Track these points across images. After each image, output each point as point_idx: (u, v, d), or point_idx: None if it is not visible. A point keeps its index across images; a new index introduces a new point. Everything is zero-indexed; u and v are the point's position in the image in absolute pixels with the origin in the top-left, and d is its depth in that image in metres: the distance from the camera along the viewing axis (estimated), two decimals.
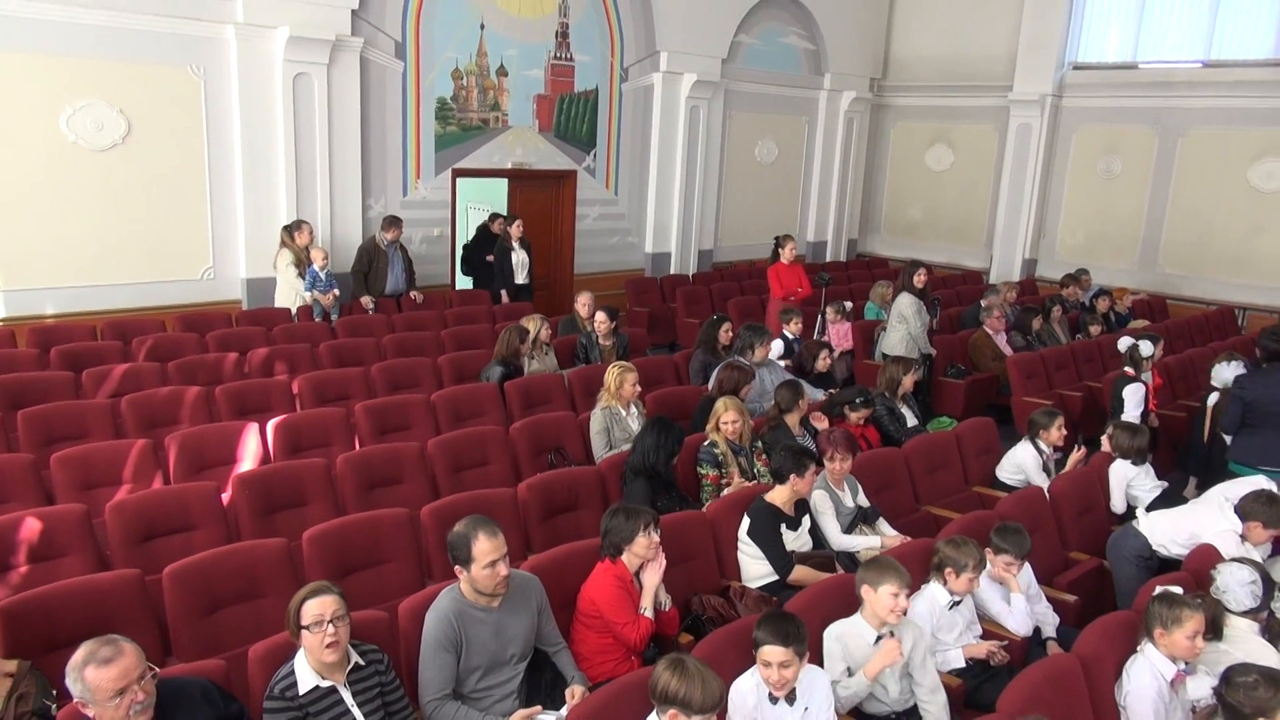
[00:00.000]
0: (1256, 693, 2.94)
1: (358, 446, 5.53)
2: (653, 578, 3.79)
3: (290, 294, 8.36)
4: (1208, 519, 4.56)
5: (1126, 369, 7.14)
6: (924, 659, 3.57)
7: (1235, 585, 3.79)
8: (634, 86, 11.70)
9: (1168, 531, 4.61)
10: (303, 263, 8.32)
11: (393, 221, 8.94)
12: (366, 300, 8.70)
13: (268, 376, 6.68)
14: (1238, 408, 5.88)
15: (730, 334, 7.15)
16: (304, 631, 2.93)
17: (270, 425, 5.47)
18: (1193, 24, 12.13)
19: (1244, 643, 3.72)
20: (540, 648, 3.55)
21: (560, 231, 11.41)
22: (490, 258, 9.87)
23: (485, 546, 3.27)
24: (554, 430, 5.79)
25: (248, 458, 5.28)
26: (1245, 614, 3.79)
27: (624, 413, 5.84)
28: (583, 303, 8.07)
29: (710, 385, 6.22)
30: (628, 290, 11.30)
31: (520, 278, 9.82)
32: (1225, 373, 6.82)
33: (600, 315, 7.49)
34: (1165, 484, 5.55)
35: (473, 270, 10.25)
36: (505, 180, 11.09)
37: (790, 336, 8.01)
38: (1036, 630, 4.24)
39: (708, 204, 12.76)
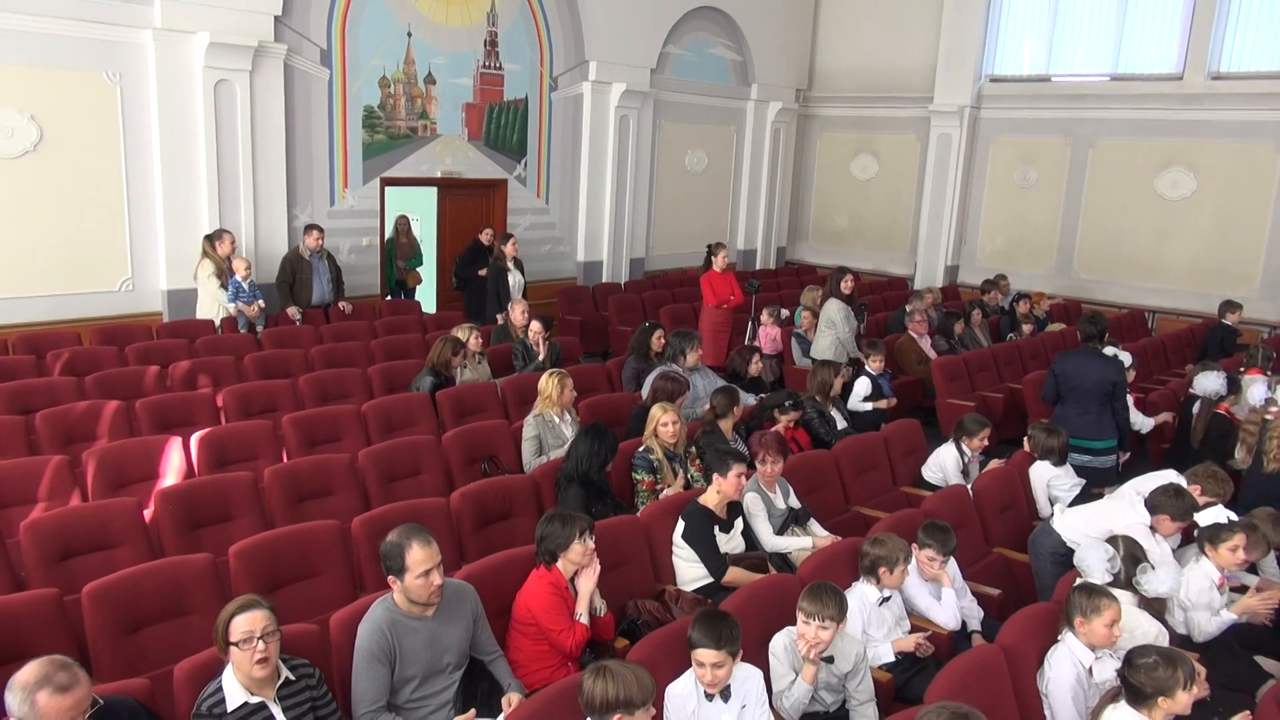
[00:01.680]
0: (1156, 673, 3.08)
1: (286, 459, 5.43)
2: (587, 583, 3.81)
3: (213, 305, 8.16)
4: (1119, 513, 4.74)
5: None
6: (863, 675, 3.63)
7: (1093, 560, 3.99)
8: (564, 96, 11.73)
9: (1081, 528, 4.77)
10: (225, 273, 8.14)
11: (311, 228, 8.80)
12: (293, 311, 8.54)
13: (191, 390, 6.51)
14: (1050, 380, 6.53)
15: (662, 341, 7.20)
16: (233, 648, 2.87)
17: (194, 439, 5.33)
18: (1101, 40, 12.63)
19: (1126, 614, 3.89)
20: (476, 656, 3.54)
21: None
22: (483, 273, 9.74)
23: (419, 555, 3.25)
24: (487, 439, 5.76)
25: (171, 473, 5.14)
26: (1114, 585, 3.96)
27: (558, 420, 5.85)
28: (518, 311, 8.04)
29: (644, 394, 6.26)
30: (560, 299, 11.30)
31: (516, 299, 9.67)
32: (1207, 382, 7.01)
33: (535, 325, 7.48)
34: (1084, 481, 5.76)
35: (464, 286, 10.14)
36: (435, 189, 11.01)
37: (874, 372, 7.56)
38: (962, 624, 4.37)
39: (639, 213, 12.84)
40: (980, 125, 13.65)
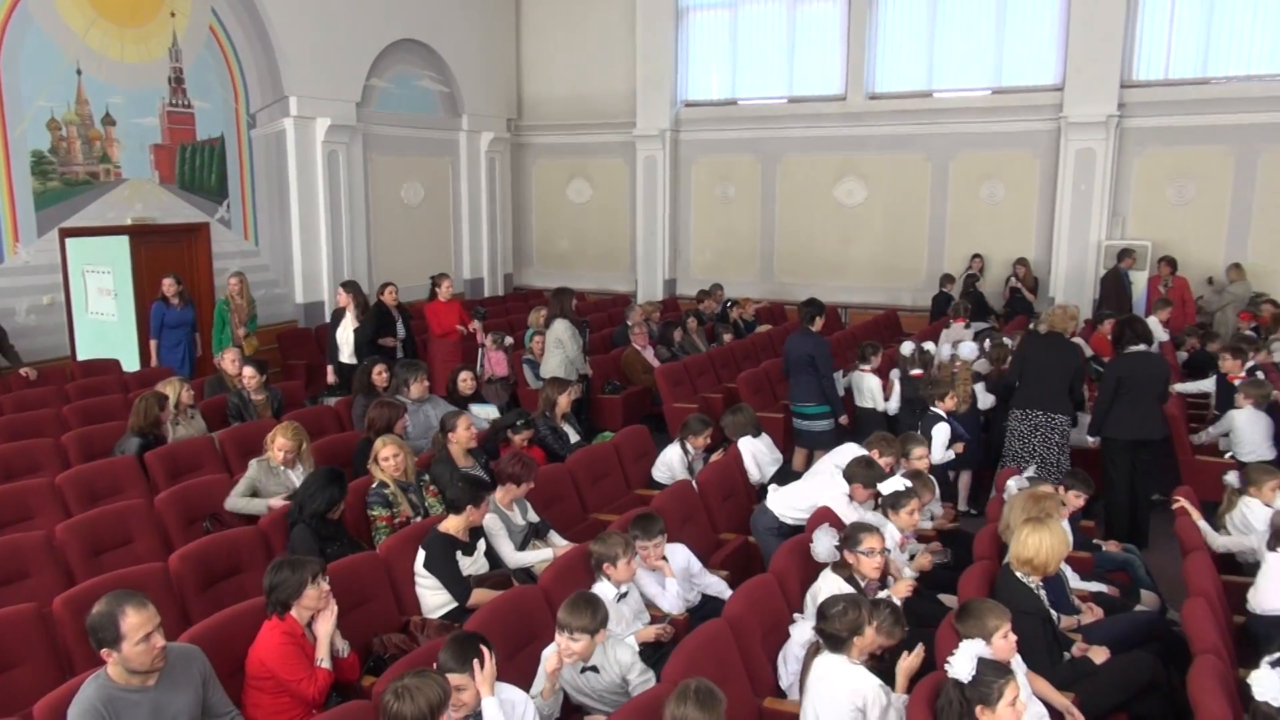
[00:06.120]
0: (847, 616, 3.53)
1: None
2: (326, 626, 3.73)
3: None
4: (822, 486, 5.30)
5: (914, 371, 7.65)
6: (642, 681, 3.73)
7: (823, 545, 4.48)
8: (264, 133, 11.26)
9: (791, 502, 5.31)
10: None
11: None
12: None
13: None
14: (784, 359, 7.75)
15: (384, 375, 7.10)
16: None
17: None
18: (776, 65, 13.93)
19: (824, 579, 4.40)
20: None
21: (197, 289, 10.63)
22: (387, 341, 8.58)
23: (135, 620, 3.05)
24: (207, 496, 5.44)
25: None
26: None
27: (286, 470, 5.60)
28: (229, 360, 7.63)
29: (364, 425, 6.18)
30: (280, 343, 10.81)
31: (345, 354, 8.68)
32: (965, 350, 7.77)
33: (248, 370, 7.14)
34: (781, 457, 6.39)
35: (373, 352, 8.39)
36: (126, 238, 10.16)
37: (945, 413, 6.75)
38: (710, 600, 4.70)
39: (358, 249, 12.54)
40: (680, 147, 14.59)
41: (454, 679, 3.14)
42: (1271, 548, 4.42)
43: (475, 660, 3.21)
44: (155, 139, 10.09)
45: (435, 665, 3.24)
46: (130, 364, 9.51)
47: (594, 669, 3.69)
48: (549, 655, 3.63)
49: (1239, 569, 5.05)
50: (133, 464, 5.90)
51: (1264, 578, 4.40)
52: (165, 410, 6.40)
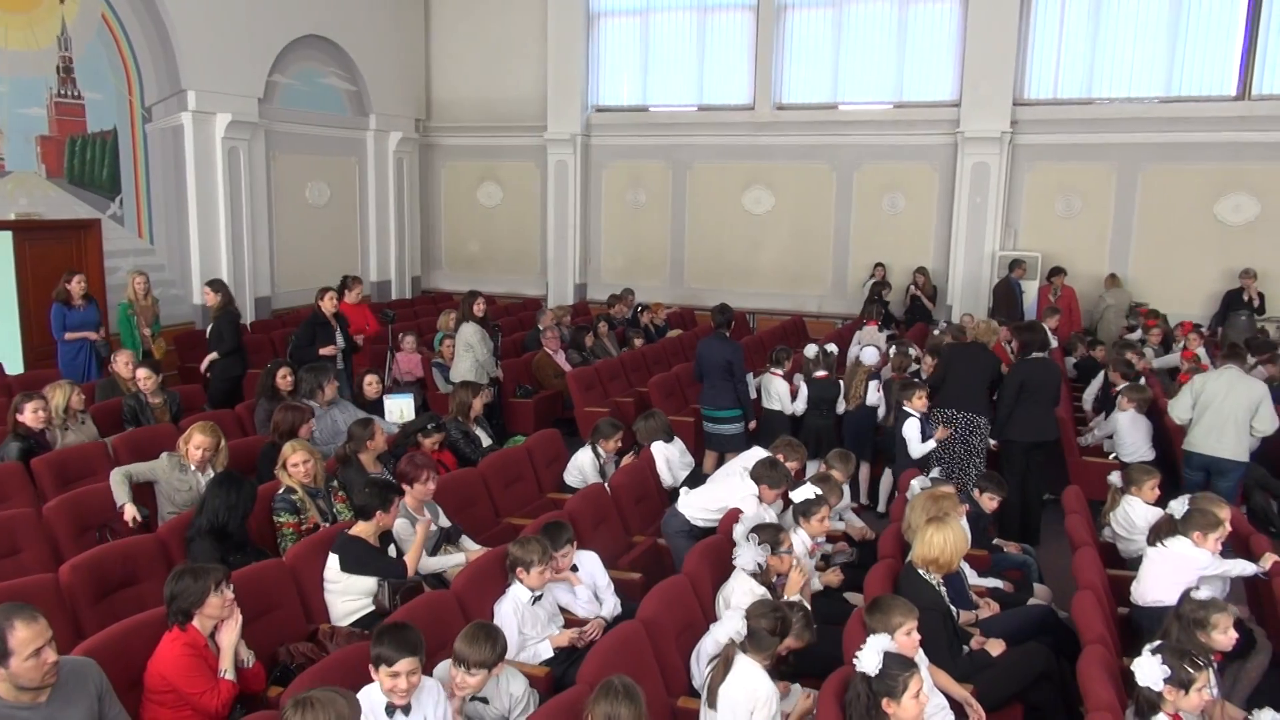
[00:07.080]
0: (774, 618, 3.66)
1: None
2: (230, 636, 3.63)
3: None
4: (732, 489, 5.39)
5: (819, 374, 7.80)
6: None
7: (747, 557, 4.55)
8: (160, 127, 10.85)
9: (702, 504, 5.38)
10: None
11: None
12: None
13: None
14: (696, 363, 7.86)
15: (288, 378, 6.90)
16: None
17: None
18: (687, 75, 14.11)
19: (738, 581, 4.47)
20: None
21: (89, 288, 10.15)
22: (327, 350, 7.99)
23: (25, 635, 2.91)
24: (100, 504, 5.20)
25: None
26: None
27: (195, 469, 5.40)
28: (122, 362, 7.32)
29: (269, 430, 6.02)
30: (177, 346, 10.40)
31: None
32: (868, 356, 7.95)
33: (142, 372, 6.85)
34: (693, 461, 6.48)
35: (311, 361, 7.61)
36: (9, 234, 9.64)
37: (917, 411, 6.77)
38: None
39: (259, 249, 12.19)
40: (592, 152, 14.63)
41: (406, 664, 3.16)
42: (1151, 543, 4.69)
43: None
44: (42, 130, 9.63)
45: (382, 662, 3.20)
46: (14, 367, 9.03)
47: (483, 700, 3.62)
48: (441, 681, 3.55)
49: (1124, 564, 5.35)
50: (17, 470, 5.60)
51: (1145, 572, 4.66)
52: (23, 411, 6.01)
